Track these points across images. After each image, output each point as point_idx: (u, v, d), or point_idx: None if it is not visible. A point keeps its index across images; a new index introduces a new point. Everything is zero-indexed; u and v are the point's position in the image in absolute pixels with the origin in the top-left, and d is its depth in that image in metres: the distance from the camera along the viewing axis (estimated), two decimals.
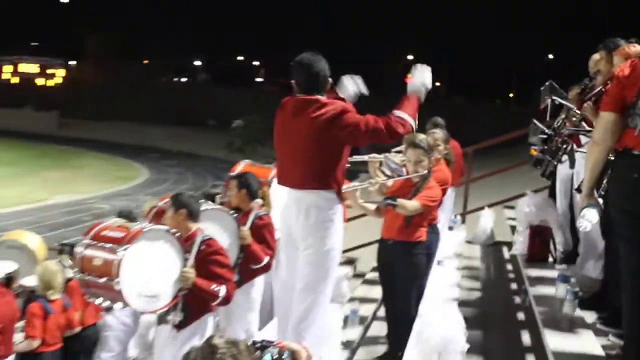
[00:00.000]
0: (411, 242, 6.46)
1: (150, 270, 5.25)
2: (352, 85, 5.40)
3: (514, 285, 8.34)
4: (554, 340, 4.84)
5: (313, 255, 5.04)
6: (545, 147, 7.11)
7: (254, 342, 2.48)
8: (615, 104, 4.16)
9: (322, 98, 5.02)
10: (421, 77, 5.21)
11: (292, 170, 5.09)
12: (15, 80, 79.09)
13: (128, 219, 6.72)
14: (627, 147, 4.12)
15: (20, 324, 6.94)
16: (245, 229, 6.63)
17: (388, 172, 6.94)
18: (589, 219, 4.33)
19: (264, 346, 2.44)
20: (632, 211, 4.05)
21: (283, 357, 2.41)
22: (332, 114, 4.90)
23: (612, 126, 4.17)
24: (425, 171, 6.54)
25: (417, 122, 5.17)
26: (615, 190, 4.27)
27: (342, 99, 5.07)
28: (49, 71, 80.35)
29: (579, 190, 4.86)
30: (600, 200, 4.38)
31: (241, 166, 7.80)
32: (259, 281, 7.18)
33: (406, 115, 5.02)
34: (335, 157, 5.03)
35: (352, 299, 8.02)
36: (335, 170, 5.03)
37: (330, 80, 5.12)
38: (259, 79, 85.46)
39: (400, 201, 6.26)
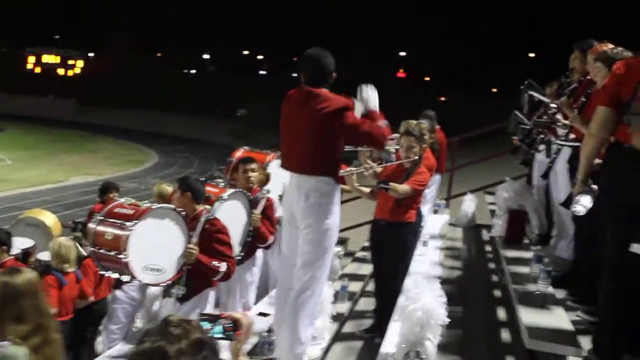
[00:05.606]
0: (401, 222, 6.54)
1: (157, 245, 5.27)
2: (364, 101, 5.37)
3: (492, 265, 8.36)
4: (528, 316, 4.85)
5: (312, 235, 5.04)
6: (525, 137, 7.16)
7: (202, 314, 2.54)
8: (610, 100, 4.10)
9: (327, 92, 5.02)
10: (364, 96, 5.28)
11: (295, 156, 5.11)
12: (38, 70, 78.89)
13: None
14: (619, 140, 4.09)
15: None
16: (257, 212, 6.70)
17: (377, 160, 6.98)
18: (583, 205, 4.31)
19: (212, 318, 2.49)
20: (624, 199, 4.01)
21: (230, 325, 2.46)
22: (335, 108, 4.91)
23: (607, 121, 4.11)
24: (416, 157, 6.56)
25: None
26: (608, 179, 4.24)
27: (347, 96, 5.06)
28: (69, 62, 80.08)
29: (565, 204, 4.83)
30: (594, 187, 4.35)
31: (240, 152, 7.83)
32: (259, 259, 7.22)
33: (385, 126, 5.13)
34: (334, 146, 5.05)
35: (342, 276, 8.02)
36: (334, 158, 5.07)
37: (334, 75, 5.11)
38: (262, 72, 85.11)
39: (393, 185, 6.33)
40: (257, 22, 78.67)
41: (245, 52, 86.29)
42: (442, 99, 59.00)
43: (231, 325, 2.45)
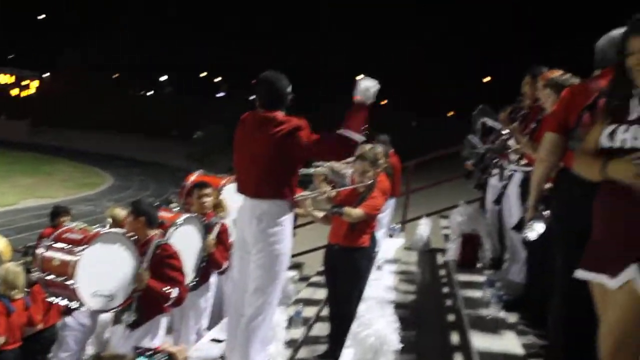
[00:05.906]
0: (355, 247, 6.50)
1: (106, 270, 5.20)
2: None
3: (445, 289, 8.37)
4: (480, 340, 4.86)
5: (263, 259, 5.02)
6: (478, 162, 7.23)
7: (137, 348, 2.53)
8: (559, 126, 4.14)
9: (281, 115, 5.01)
10: (366, 83, 5.03)
11: (249, 180, 5.09)
12: None
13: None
14: (566, 166, 4.13)
15: None
16: (211, 237, 6.67)
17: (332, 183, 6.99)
18: (536, 230, 4.35)
19: (149, 353, 2.47)
20: (572, 225, 4.05)
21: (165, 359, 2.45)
22: (288, 131, 4.91)
23: (554, 146, 4.15)
24: (371, 181, 6.57)
25: (364, 132, 5.12)
26: (558, 204, 4.29)
27: (300, 117, 5.04)
28: (23, 82, 79.01)
29: (517, 228, 4.87)
30: (546, 213, 4.38)
31: (195, 176, 7.78)
32: (212, 285, 7.16)
33: (352, 133, 4.96)
34: (289, 169, 5.05)
35: (296, 301, 7.97)
36: (288, 181, 5.06)
37: (290, 97, 5.10)
38: (220, 94, 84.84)
39: (346, 209, 6.31)
40: (216, 45, 78.60)
41: (203, 74, 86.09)
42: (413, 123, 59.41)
43: (167, 359, 2.43)
